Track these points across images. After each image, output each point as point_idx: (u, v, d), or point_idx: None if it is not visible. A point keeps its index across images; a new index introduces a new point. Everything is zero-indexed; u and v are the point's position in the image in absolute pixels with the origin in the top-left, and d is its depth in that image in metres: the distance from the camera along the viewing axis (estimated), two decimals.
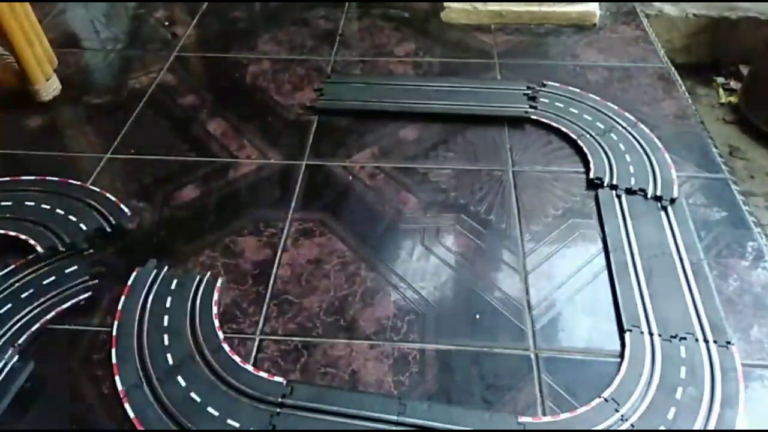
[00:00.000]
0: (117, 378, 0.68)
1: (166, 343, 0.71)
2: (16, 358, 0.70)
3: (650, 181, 0.89)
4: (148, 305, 0.75)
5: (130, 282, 0.78)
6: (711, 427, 0.63)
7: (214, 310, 0.75)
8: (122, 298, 0.76)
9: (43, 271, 0.80)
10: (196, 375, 0.68)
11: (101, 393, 0.68)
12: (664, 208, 0.85)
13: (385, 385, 0.69)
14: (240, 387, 0.67)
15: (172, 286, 0.78)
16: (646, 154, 0.93)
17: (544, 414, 0.65)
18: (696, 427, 0.63)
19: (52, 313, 0.75)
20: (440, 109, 1.05)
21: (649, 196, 0.87)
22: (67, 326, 0.75)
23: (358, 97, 1.09)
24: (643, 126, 0.99)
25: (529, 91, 1.07)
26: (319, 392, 0.66)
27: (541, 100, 1.05)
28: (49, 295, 0.76)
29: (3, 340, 0.71)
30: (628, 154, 0.93)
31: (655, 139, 0.96)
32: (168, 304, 0.75)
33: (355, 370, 0.70)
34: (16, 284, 0.78)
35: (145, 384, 0.67)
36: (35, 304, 0.75)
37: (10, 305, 0.75)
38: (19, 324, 0.73)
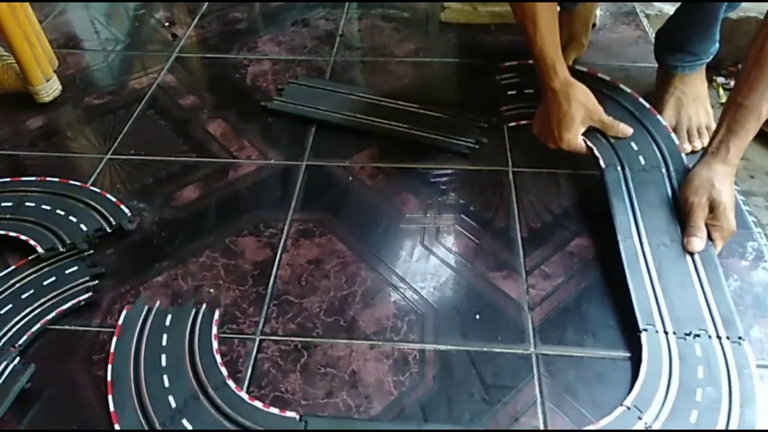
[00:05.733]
0: (117, 427, 0.64)
1: (167, 384, 0.67)
2: (17, 359, 0.70)
3: (660, 159, 0.87)
4: (143, 345, 0.71)
5: (120, 321, 0.74)
6: (733, 427, 0.62)
7: (215, 344, 0.72)
8: (114, 339, 0.72)
9: (43, 271, 0.80)
10: (202, 416, 0.64)
11: (102, 393, 0.68)
12: (674, 190, 0.83)
13: (385, 385, 0.69)
14: (251, 426, 0.63)
15: (167, 322, 0.74)
16: (649, 132, 0.90)
17: (544, 414, 0.65)
18: (718, 428, 0.61)
19: (53, 314, 0.75)
20: (391, 131, 1.01)
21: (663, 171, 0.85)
22: (67, 327, 0.75)
23: (313, 104, 1.06)
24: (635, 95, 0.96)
25: (486, 124, 1.02)
26: (333, 424, 0.64)
27: None
28: (49, 296, 0.77)
29: (3, 341, 0.72)
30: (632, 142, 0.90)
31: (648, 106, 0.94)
32: (164, 342, 0.72)
33: (355, 371, 0.70)
34: (17, 285, 0.78)
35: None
36: (36, 305, 0.76)
37: (10, 306, 0.75)
38: (19, 325, 0.73)
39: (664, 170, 0.85)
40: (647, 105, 0.93)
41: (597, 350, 0.71)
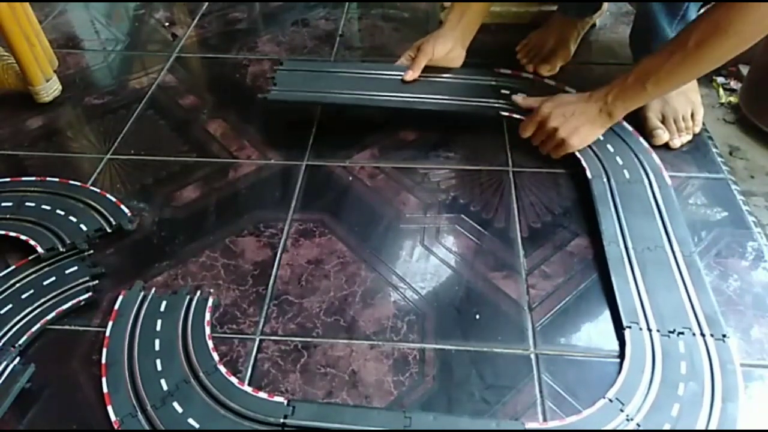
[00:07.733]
0: (109, 408, 0.65)
1: (159, 368, 0.69)
2: (17, 359, 0.70)
3: (643, 174, 0.90)
4: (138, 330, 0.73)
5: (116, 306, 0.75)
6: (714, 420, 0.62)
7: (207, 330, 0.73)
8: (109, 324, 0.73)
9: (43, 271, 0.80)
10: (193, 400, 0.66)
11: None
12: (656, 201, 0.85)
13: (385, 385, 0.69)
14: (239, 410, 0.64)
15: (162, 308, 0.75)
16: (633, 151, 0.94)
17: (544, 414, 0.65)
18: (700, 421, 0.62)
19: (53, 314, 0.75)
20: (401, 104, 0.98)
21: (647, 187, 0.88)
22: (67, 327, 0.75)
23: (313, 88, 1.01)
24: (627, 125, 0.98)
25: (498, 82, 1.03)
26: (320, 410, 0.65)
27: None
28: (49, 296, 0.77)
29: (3, 341, 0.72)
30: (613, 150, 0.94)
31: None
32: (158, 327, 0.73)
33: (355, 371, 0.70)
34: (17, 285, 0.78)
35: (139, 413, 0.65)
36: (36, 305, 0.76)
37: (10, 306, 0.75)
38: (19, 325, 0.73)
39: (647, 183, 0.88)
40: (630, 128, 0.97)
41: (597, 350, 0.71)
